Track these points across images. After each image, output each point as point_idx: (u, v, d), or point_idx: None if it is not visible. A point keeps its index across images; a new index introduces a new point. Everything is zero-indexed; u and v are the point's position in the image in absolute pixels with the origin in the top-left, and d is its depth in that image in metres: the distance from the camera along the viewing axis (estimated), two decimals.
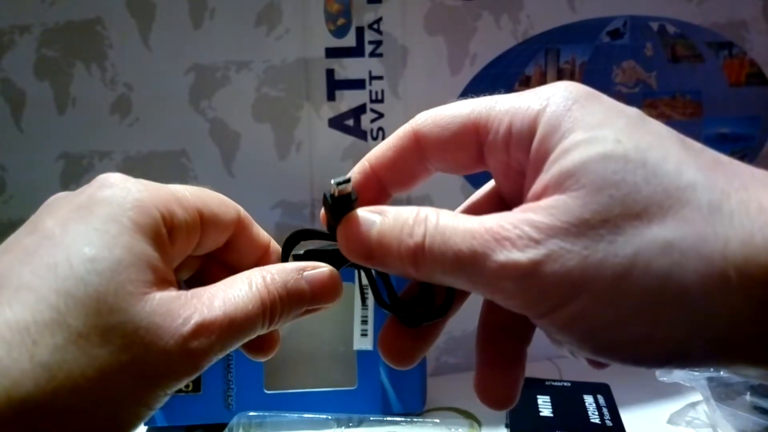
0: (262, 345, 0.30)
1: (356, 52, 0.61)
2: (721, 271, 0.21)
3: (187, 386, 0.56)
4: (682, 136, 0.24)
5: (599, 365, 0.26)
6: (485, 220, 0.24)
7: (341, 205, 0.26)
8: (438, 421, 0.55)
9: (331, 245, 0.29)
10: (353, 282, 0.58)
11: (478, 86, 0.62)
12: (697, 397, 0.57)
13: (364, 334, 0.58)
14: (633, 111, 0.24)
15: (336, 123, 0.62)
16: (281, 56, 0.60)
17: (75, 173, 0.61)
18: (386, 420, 0.55)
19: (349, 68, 0.61)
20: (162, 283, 0.25)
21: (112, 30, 0.59)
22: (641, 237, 0.21)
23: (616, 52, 0.65)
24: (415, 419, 0.56)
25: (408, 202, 0.62)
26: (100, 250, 0.24)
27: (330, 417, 0.55)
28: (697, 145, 0.24)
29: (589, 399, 0.55)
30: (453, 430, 0.54)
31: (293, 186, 0.63)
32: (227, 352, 0.26)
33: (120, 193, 0.26)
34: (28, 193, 0.61)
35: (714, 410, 0.53)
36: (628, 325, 0.22)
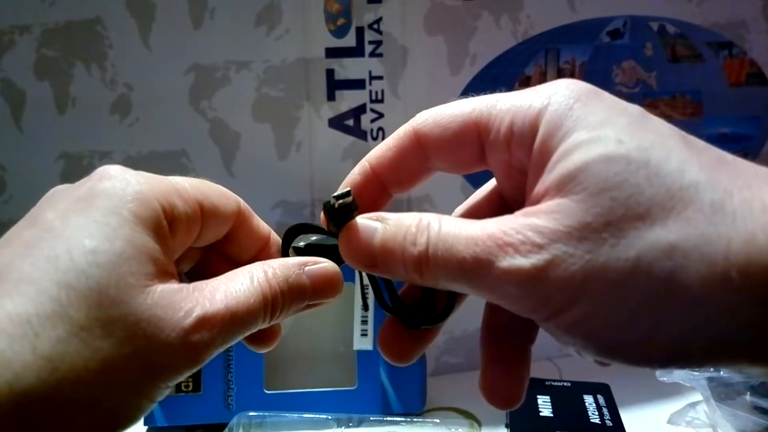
0: (263, 337, 0.30)
1: (356, 52, 0.61)
2: (723, 273, 0.21)
3: (187, 386, 0.56)
4: (684, 133, 0.24)
5: (604, 363, 0.25)
6: (487, 226, 0.24)
7: (341, 215, 0.26)
8: (438, 421, 0.55)
9: (331, 239, 0.29)
10: (353, 282, 0.58)
11: (478, 86, 0.62)
12: (697, 397, 0.57)
13: (364, 334, 0.58)
14: (635, 108, 0.24)
15: (336, 123, 0.62)
16: (281, 56, 0.60)
17: (75, 173, 0.61)
18: (386, 420, 0.55)
19: (349, 68, 0.61)
20: (163, 275, 0.25)
21: (112, 30, 0.59)
22: (644, 239, 0.21)
23: (616, 52, 0.65)
24: (415, 419, 0.56)
25: (408, 202, 0.62)
26: (100, 242, 0.24)
27: (330, 417, 0.55)
28: (700, 143, 0.24)
29: (589, 399, 0.55)
30: (453, 430, 0.54)
31: (293, 186, 0.63)
32: (229, 345, 0.26)
33: (120, 185, 0.26)
34: (28, 193, 0.60)
35: (714, 410, 0.53)
36: (631, 326, 0.22)
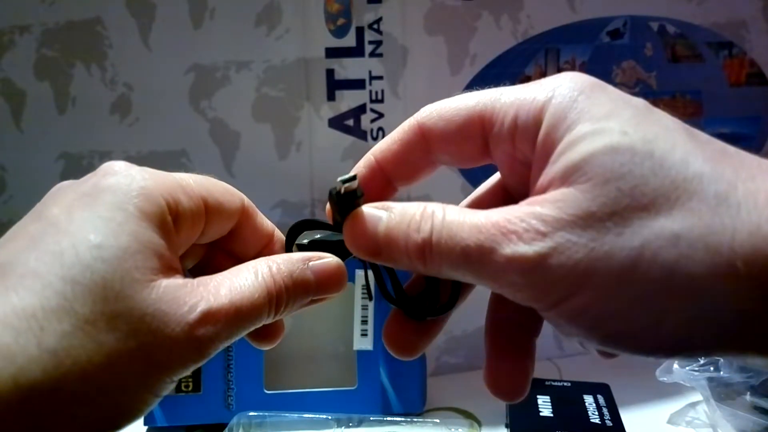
0: (267, 333, 0.31)
1: (356, 52, 0.61)
2: (728, 263, 0.21)
3: (187, 386, 0.56)
4: (688, 126, 0.24)
5: (608, 355, 0.25)
6: (491, 215, 0.24)
7: (347, 201, 0.26)
8: (438, 421, 0.55)
9: (335, 236, 0.29)
10: (353, 282, 0.58)
11: (478, 86, 0.62)
12: (697, 397, 0.57)
13: (364, 334, 0.58)
14: (639, 102, 0.24)
15: (336, 123, 0.62)
16: (281, 56, 0.60)
17: (75, 173, 0.60)
18: (386, 420, 0.55)
19: (349, 68, 0.61)
20: (168, 270, 0.25)
21: (112, 30, 0.59)
22: (648, 229, 0.22)
23: (616, 52, 0.65)
24: (415, 419, 0.56)
25: (408, 200, 0.62)
26: (106, 237, 0.24)
27: (330, 417, 0.55)
28: (704, 136, 0.24)
29: (589, 399, 0.55)
30: (453, 430, 0.54)
31: (293, 186, 0.63)
32: (234, 340, 0.26)
33: (125, 181, 0.26)
34: (28, 193, 0.60)
35: (714, 410, 0.53)
36: (635, 316, 0.22)
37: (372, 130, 0.62)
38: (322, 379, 0.59)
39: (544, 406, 0.54)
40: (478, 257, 0.23)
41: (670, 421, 0.57)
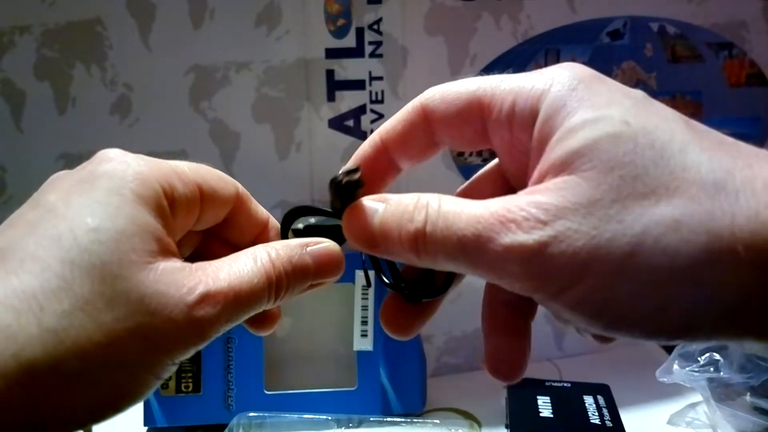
0: (264, 319, 0.31)
1: (356, 52, 0.61)
2: (729, 247, 0.21)
3: (187, 386, 0.56)
4: (686, 117, 0.24)
5: (605, 339, 0.26)
6: (490, 204, 0.24)
7: (347, 191, 0.27)
8: (438, 421, 0.55)
9: (330, 221, 0.30)
10: (353, 282, 0.58)
11: None
12: (697, 397, 0.57)
13: (364, 335, 0.58)
14: (638, 93, 0.25)
15: (336, 123, 0.62)
16: (281, 56, 0.60)
17: None
18: (386, 420, 0.55)
19: (349, 69, 0.61)
20: (166, 253, 0.26)
21: (112, 30, 0.59)
22: (649, 216, 0.22)
23: (616, 52, 0.65)
24: (415, 420, 0.56)
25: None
26: (102, 220, 0.24)
27: (330, 418, 0.55)
28: (701, 127, 0.24)
29: (589, 399, 0.55)
30: (453, 430, 0.54)
31: (293, 186, 0.63)
32: (233, 324, 0.26)
33: (120, 167, 0.26)
34: (28, 193, 0.60)
35: (714, 411, 0.53)
36: (637, 302, 0.22)
37: (372, 131, 0.62)
38: (322, 379, 0.59)
39: (544, 407, 0.54)
40: (475, 247, 0.23)
41: (670, 422, 0.57)
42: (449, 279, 0.29)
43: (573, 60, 0.64)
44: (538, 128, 0.25)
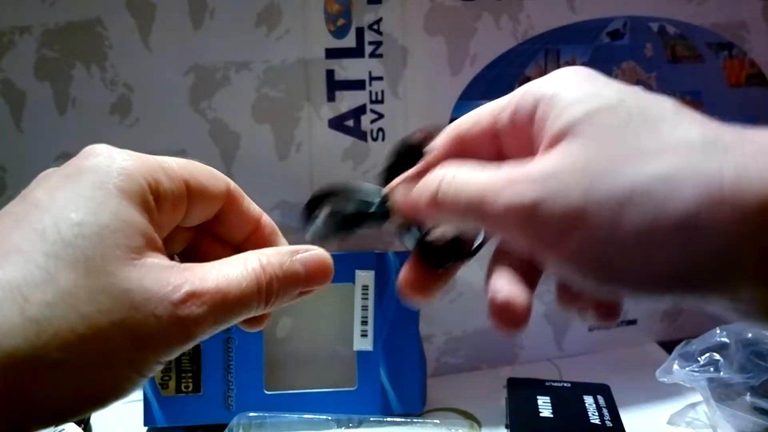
0: (253, 317, 0.31)
1: (356, 52, 0.61)
2: (718, 197, 0.22)
3: (187, 386, 0.56)
4: (677, 103, 0.26)
5: (608, 316, 0.27)
6: (498, 172, 0.26)
7: (411, 154, 0.30)
8: (438, 421, 0.55)
9: (350, 207, 0.31)
10: (353, 282, 0.58)
11: (478, 87, 0.62)
12: (697, 397, 0.57)
13: (364, 335, 0.58)
14: (633, 86, 0.27)
15: (336, 123, 0.62)
16: (281, 57, 0.60)
17: None
18: (386, 421, 0.55)
19: (349, 69, 0.61)
20: (152, 249, 0.26)
21: (112, 30, 0.59)
22: (640, 170, 0.23)
23: (616, 52, 0.65)
24: (415, 420, 0.56)
25: None
26: (86, 215, 0.24)
27: (330, 418, 0.55)
28: (692, 112, 0.25)
29: (589, 399, 0.55)
30: (453, 430, 0.54)
31: (293, 186, 0.63)
32: (222, 327, 0.26)
33: (106, 162, 0.26)
34: None
35: (714, 411, 0.53)
36: (631, 252, 0.23)
37: (372, 131, 0.62)
38: (322, 379, 0.59)
39: (544, 407, 0.54)
40: (479, 206, 0.26)
41: (670, 422, 0.57)
42: (474, 249, 0.32)
43: (573, 60, 0.65)
44: (538, 113, 0.27)
